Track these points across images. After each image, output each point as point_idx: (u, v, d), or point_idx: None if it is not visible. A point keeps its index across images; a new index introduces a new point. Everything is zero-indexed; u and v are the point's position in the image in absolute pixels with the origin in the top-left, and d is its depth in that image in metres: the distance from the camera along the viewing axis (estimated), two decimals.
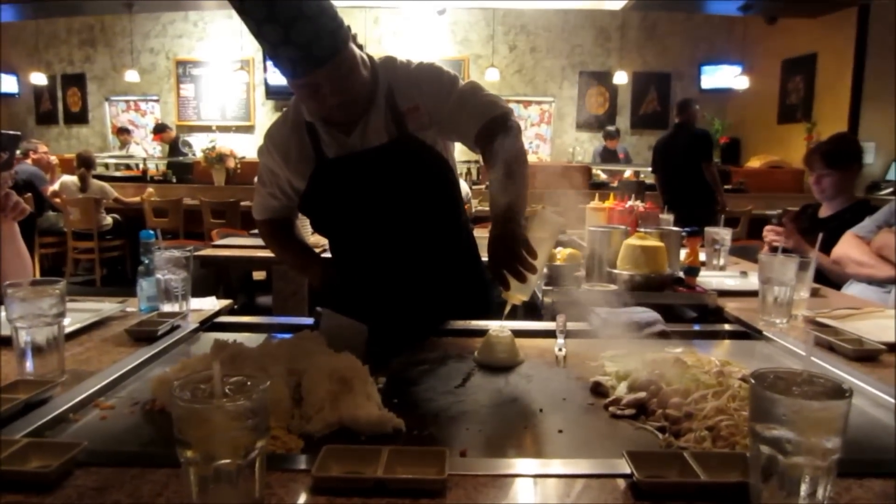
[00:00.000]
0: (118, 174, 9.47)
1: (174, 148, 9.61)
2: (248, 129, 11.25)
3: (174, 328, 1.64)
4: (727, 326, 1.83)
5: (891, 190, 7.36)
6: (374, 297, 1.77)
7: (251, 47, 10.78)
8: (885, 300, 2.38)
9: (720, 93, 10.40)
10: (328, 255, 2.02)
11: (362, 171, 1.69)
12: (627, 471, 0.87)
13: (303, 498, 0.84)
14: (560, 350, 1.51)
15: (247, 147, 10.22)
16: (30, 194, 6.98)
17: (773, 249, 1.93)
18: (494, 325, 1.52)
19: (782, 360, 1.54)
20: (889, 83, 7.60)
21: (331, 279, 1.92)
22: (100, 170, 8.89)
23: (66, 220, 7.42)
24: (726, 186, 7.32)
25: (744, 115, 10.12)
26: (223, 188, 8.19)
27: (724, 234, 2.85)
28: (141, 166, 9.52)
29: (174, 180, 8.82)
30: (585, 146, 10.97)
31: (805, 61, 9.07)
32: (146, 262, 1.82)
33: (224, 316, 1.87)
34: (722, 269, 2.81)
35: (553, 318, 1.64)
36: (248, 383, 0.77)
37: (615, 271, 2.22)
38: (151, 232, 1.87)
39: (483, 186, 8.05)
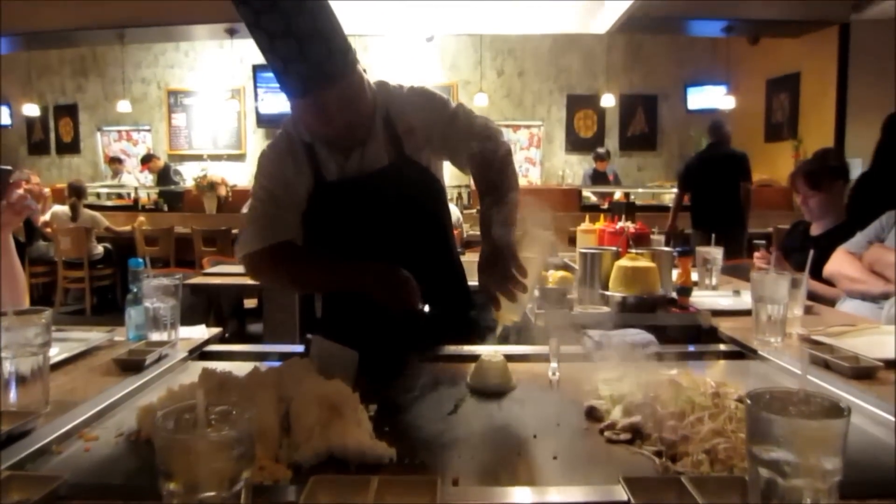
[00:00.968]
0: (110, 203, 9.48)
1: (163, 177, 9.62)
2: (240, 158, 11.28)
3: (162, 357, 1.61)
4: (721, 346, 1.82)
5: None
6: (367, 319, 1.74)
7: (242, 76, 10.84)
8: (878, 316, 2.37)
9: (707, 113, 10.47)
10: None
11: (363, 195, 1.70)
12: (624, 497, 0.85)
13: None
14: (553, 374, 1.49)
15: (238, 175, 10.25)
16: (20, 224, 6.94)
17: None
18: (486, 350, 1.50)
19: (778, 380, 1.52)
20: (872, 99, 7.70)
21: (405, 281, 1.62)
22: (91, 199, 8.89)
23: (56, 250, 7.39)
24: None
25: (731, 134, 10.20)
26: (214, 216, 8.19)
27: (715, 253, 2.84)
28: (132, 195, 9.52)
29: (165, 209, 8.82)
30: (575, 169, 11.03)
31: (789, 80, 9.19)
32: (135, 290, 1.80)
33: (214, 344, 1.84)
34: (714, 288, 2.80)
35: (545, 342, 1.63)
36: (234, 412, 0.75)
37: (607, 293, 2.21)
38: (140, 260, 1.85)
39: (474, 210, 8.06)
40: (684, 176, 6.73)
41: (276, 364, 1.37)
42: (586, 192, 9.01)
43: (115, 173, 10.39)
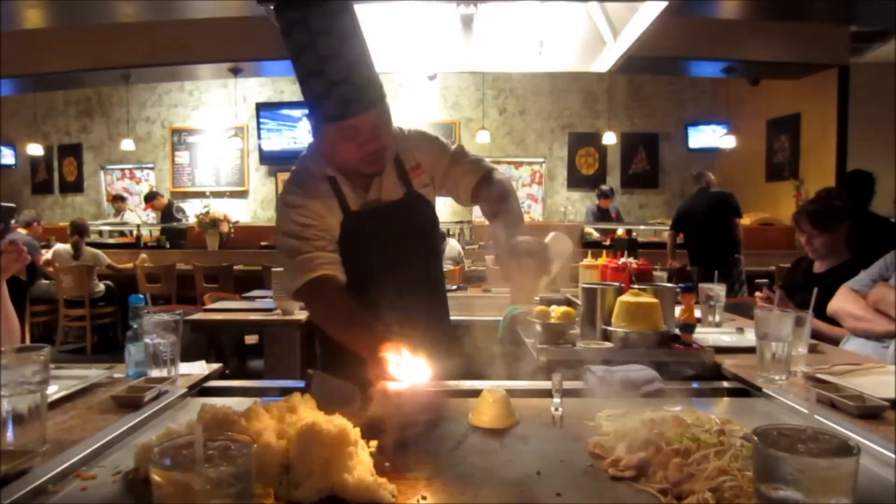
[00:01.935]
0: (112, 241, 9.49)
1: (166, 214, 9.66)
2: (242, 195, 11.35)
3: (161, 394, 1.60)
4: (725, 384, 1.80)
5: None
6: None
7: (245, 114, 10.99)
8: (883, 355, 2.36)
9: (708, 152, 10.58)
10: None
11: (384, 222, 1.82)
12: None
13: None
14: (556, 410, 1.47)
15: (241, 212, 10.29)
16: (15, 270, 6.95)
17: None
18: (488, 385, 1.49)
19: (783, 418, 1.50)
20: (872, 141, 7.77)
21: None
22: (94, 237, 8.91)
23: (58, 288, 7.38)
24: None
25: (732, 173, 10.26)
26: (217, 252, 8.20)
27: (718, 290, 2.83)
28: (135, 233, 9.54)
29: (168, 246, 8.83)
30: (577, 206, 11.06)
31: (789, 121, 9.27)
32: (135, 326, 1.79)
33: (214, 380, 1.83)
34: (718, 325, 2.79)
35: (548, 377, 1.61)
36: (232, 448, 0.74)
37: (610, 328, 2.19)
38: (140, 296, 1.84)
39: (476, 246, 8.08)
40: (675, 220, 7.49)
41: (277, 399, 1.36)
42: (588, 229, 9.03)
43: (118, 211, 10.44)
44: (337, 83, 1.53)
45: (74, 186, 11.79)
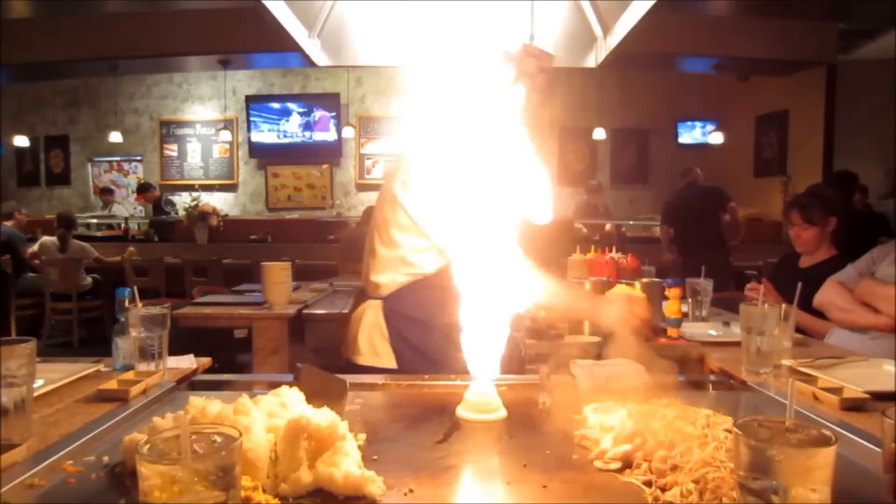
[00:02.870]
0: (100, 234, 9.43)
1: (157, 207, 9.60)
2: (232, 188, 11.30)
3: (149, 387, 1.59)
4: (711, 377, 1.82)
5: None
6: None
7: (235, 107, 10.93)
8: (867, 348, 2.38)
9: (697, 147, 10.61)
10: None
11: None
12: None
13: None
14: (543, 403, 1.49)
15: (230, 205, 10.23)
16: (8, 255, 6.90)
17: None
18: (476, 379, 1.50)
19: (767, 411, 1.52)
20: (859, 137, 7.83)
21: None
22: (81, 230, 8.84)
23: (45, 281, 7.32)
24: None
25: (721, 169, 10.31)
26: (205, 246, 8.16)
27: (705, 284, 2.85)
28: (123, 225, 9.48)
29: (156, 239, 8.78)
30: (566, 201, 11.07)
31: (778, 117, 9.32)
32: (122, 319, 1.79)
33: (202, 374, 1.83)
34: (704, 319, 2.81)
35: (535, 371, 1.62)
36: (218, 440, 0.75)
37: None
38: (127, 289, 1.83)
39: None
40: (664, 213, 7.47)
41: (265, 393, 1.36)
42: (577, 224, 9.04)
43: (106, 204, 10.36)
44: None
45: (61, 179, 11.69)
